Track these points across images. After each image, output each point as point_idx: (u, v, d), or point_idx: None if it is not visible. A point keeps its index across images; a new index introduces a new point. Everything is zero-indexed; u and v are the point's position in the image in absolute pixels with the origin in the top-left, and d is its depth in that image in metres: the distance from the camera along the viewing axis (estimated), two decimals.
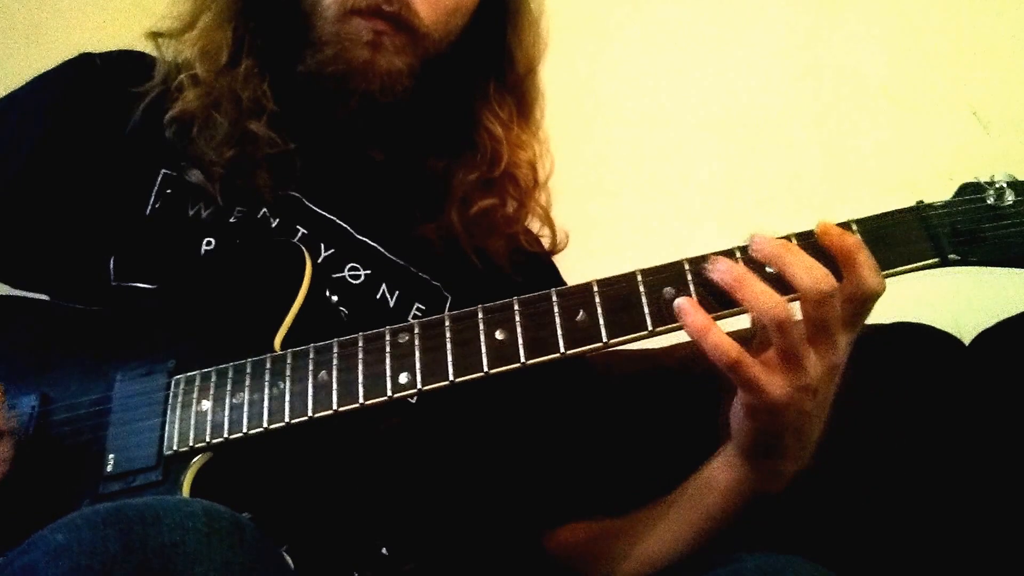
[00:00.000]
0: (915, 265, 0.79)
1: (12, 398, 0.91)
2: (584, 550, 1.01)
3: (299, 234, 1.03)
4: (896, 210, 0.80)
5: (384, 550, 0.97)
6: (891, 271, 0.78)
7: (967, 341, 1.44)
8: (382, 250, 1.06)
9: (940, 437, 1.35)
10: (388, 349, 0.85)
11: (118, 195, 1.03)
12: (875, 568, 1.26)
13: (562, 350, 0.81)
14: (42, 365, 0.95)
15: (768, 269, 0.78)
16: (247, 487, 0.89)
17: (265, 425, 0.85)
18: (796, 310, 0.76)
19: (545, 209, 1.15)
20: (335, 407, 0.84)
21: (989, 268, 0.80)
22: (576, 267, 1.06)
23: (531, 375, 0.82)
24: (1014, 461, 1.31)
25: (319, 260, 1.02)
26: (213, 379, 0.88)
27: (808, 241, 0.78)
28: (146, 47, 1.09)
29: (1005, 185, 0.79)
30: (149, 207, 1.03)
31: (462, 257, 1.08)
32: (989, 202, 0.79)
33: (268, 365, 0.88)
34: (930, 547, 1.28)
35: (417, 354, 0.84)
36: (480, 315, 0.84)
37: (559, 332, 0.81)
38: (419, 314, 1.04)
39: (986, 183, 0.80)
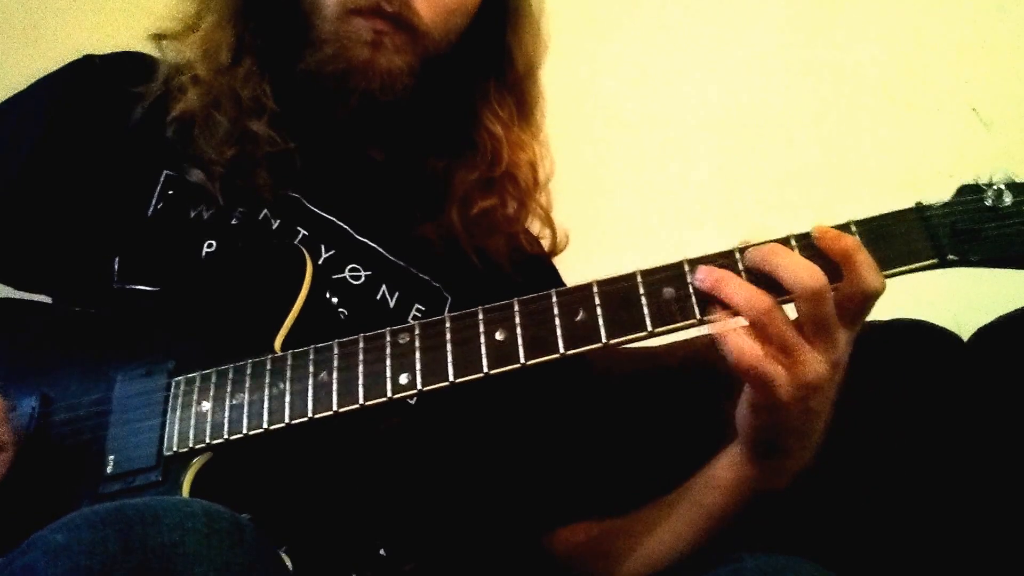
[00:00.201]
0: (914, 265, 0.79)
1: (12, 399, 0.91)
2: (585, 550, 1.01)
3: (300, 236, 1.03)
4: (895, 211, 0.81)
5: (383, 551, 0.97)
6: (890, 271, 0.78)
7: (966, 338, 1.44)
8: (382, 251, 1.06)
9: (939, 434, 1.35)
10: (388, 349, 0.85)
11: (121, 195, 1.04)
12: (875, 568, 1.26)
13: (562, 350, 0.81)
14: (42, 366, 0.95)
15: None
16: (247, 487, 0.89)
17: (265, 425, 0.85)
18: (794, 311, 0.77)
19: (546, 210, 1.15)
20: (335, 407, 0.84)
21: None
22: (576, 267, 1.06)
23: (531, 375, 0.82)
24: (1013, 458, 1.31)
25: (320, 261, 1.02)
26: (213, 380, 0.88)
27: (807, 243, 0.79)
28: (147, 48, 1.09)
29: (1004, 187, 0.79)
30: (151, 208, 1.03)
31: (462, 258, 1.08)
32: (988, 203, 0.79)
33: (268, 366, 0.88)
34: (930, 545, 1.28)
35: (417, 354, 0.84)
36: (480, 315, 0.84)
37: (559, 332, 0.81)
38: (419, 315, 1.04)
39: (985, 184, 0.80)
